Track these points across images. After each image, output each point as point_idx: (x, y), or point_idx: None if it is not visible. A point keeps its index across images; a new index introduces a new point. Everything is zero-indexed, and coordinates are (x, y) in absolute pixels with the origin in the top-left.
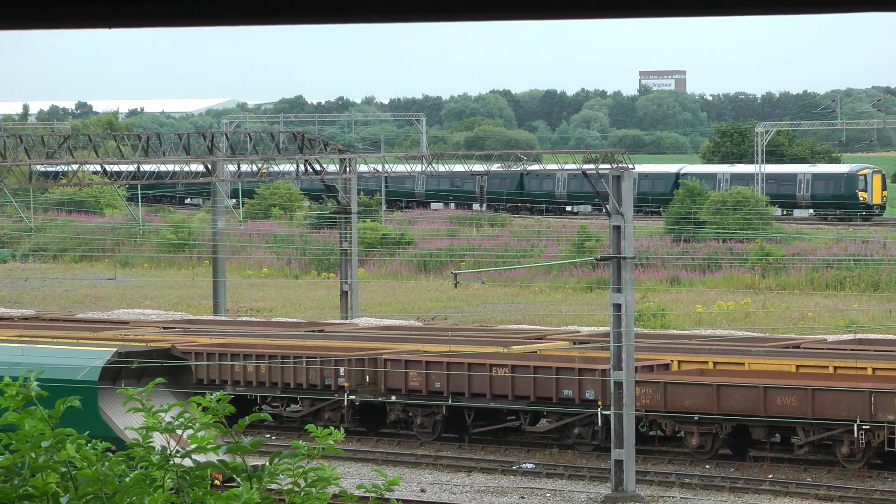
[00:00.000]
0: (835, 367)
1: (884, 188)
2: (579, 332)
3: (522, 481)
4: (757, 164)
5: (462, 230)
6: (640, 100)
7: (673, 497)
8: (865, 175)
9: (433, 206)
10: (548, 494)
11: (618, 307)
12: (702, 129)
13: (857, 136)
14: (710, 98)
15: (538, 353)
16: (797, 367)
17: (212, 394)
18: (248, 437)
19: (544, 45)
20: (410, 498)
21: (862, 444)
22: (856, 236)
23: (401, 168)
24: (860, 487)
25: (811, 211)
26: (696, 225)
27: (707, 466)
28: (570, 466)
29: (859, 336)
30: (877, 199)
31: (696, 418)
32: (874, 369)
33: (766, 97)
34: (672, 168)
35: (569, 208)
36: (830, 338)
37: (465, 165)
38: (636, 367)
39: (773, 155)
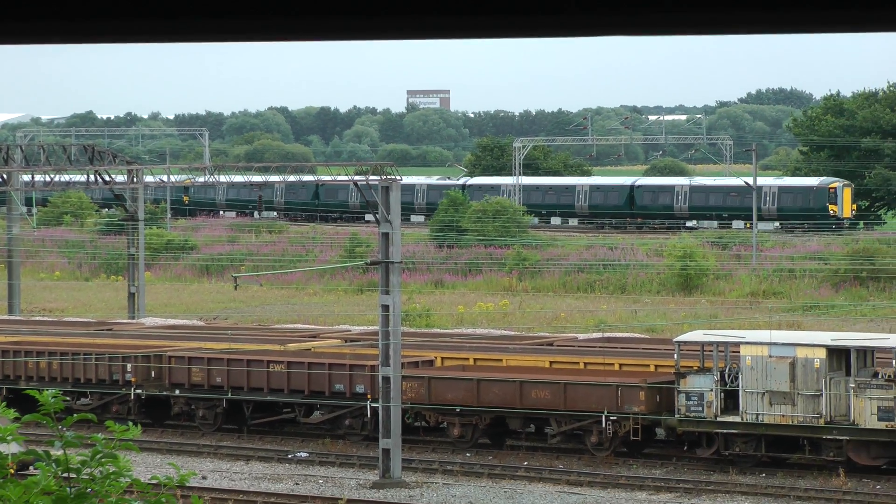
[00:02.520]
0: (585, 363)
1: (853, 202)
2: (351, 331)
3: (297, 469)
4: (515, 175)
5: (242, 236)
6: (407, 116)
7: (436, 483)
8: (836, 188)
9: (227, 214)
10: (320, 481)
11: (386, 308)
12: (464, 144)
13: (607, 151)
14: (473, 115)
15: (312, 350)
16: (551, 362)
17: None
18: (70, 432)
19: (319, 65)
20: (192, 485)
21: (609, 433)
22: (604, 243)
23: (183, 177)
24: (607, 473)
25: (777, 224)
26: (459, 232)
27: (468, 455)
28: (341, 455)
29: (607, 334)
30: (847, 213)
31: (457, 410)
32: (621, 365)
33: (523, 115)
34: (626, 181)
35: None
36: (581, 336)
37: (245, 176)
38: (403, 364)
39: (530, 168)
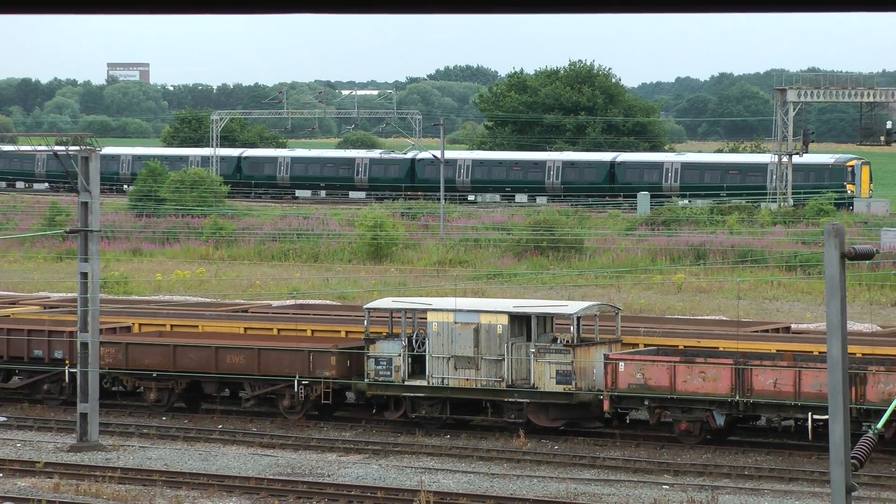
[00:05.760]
0: (279, 329)
1: (871, 181)
2: (50, 297)
3: None
4: (213, 147)
5: None
6: (107, 89)
7: (132, 446)
8: (853, 166)
9: None
10: (19, 444)
11: (84, 275)
12: (163, 116)
13: (302, 124)
14: (172, 88)
15: (11, 316)
16: (245, 329)
17: None
18: None
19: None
20: None
21: (301, 397)
22: (298, 213)
23: None
24: (299, 436)
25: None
26: (157, 202)
27: (164, 418)
28: (39, 419)
29: (300, 301)
30: (864, 193)
31: (154, 375)
32: (313, 331)
33: (221, 88)
34: (606, 156)
35: (46, 185)
36: (275, 303)
37: None
38: (101, 330)
39: (227, 140)
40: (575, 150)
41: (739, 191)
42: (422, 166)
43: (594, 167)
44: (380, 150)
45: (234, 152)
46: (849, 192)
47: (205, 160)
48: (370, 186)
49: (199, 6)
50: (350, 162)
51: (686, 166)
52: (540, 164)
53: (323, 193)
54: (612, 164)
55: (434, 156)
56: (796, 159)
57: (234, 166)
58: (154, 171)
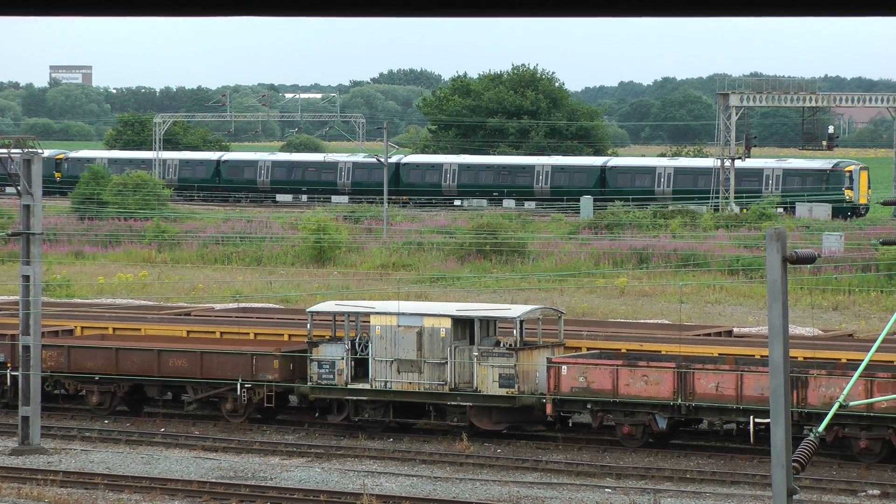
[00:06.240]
0: (221, 333)
1: (869, 186)
2: None
3: None
4: (155, 150)
5: None
6: (50, 91)
7: (74, 449)
8: (851, 171)
9: None
10: None
11: (27, 278)
12: (106, 119)
13: (245, 127)
14: (115, 91)
15: None
16: (188, 332)
17: None
18: None
19: None
20: None
21: (244, 400)
22: (241, 216)
23: None
24: (242, 439)
25: (780, 210)
26: (100, 205)
27: (106, 421)
28: None
29: (243, 305)
30: (863, 199)
31: (97, 378)
32: (256, 334)
33: (164, 91)
34: (597, 161)
35: None
36: (218, 306)
37: None
38: (43, 333)
39: (170, 143)
40: (565, 155)
41: (736, 195)
42: (406, 170)
43: (584, 172)
44: (363, 154)
45: (212, 156)
46: (847, 197)
47: (184, 163)
48: (353, 191)
49: (183, 9)
50: (333, 166)
51: (679, 171)
52: (528, 169)
53: (305, 198)
54: (603, 169)
55: (378, 158)
56: (794, 164)
57: (213, 170)
58: (97, 173)
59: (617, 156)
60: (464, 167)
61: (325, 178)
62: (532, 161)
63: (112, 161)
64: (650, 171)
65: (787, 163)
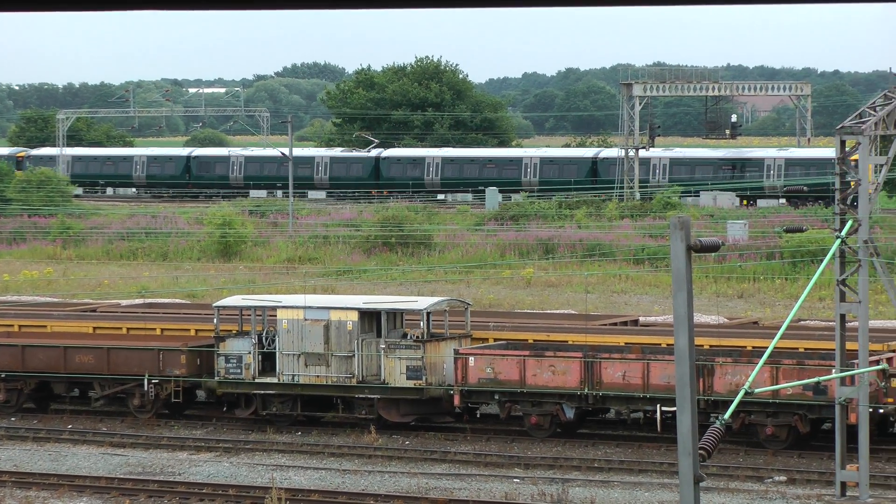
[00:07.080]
0: (128, 329)
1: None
2: None
3: None
4: (59, 146)
5: None
6: None
7: None
8: (857, 161)
9: None
10: None
11: None
12: (9, 116)
13: (149, 123)
14: (17, 87)
15: None
16: (94, 328)
17: None
18: None
19: None
20: None
21: (152, 396)
22: (146, 212)
23: None
24: (150, 435)
25: (782, 201)
26: (4, 202)
27: (13, 419)
28: None
29: (149, 300)
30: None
31: (2, 376)
32: (162, 330)
33: (67, 87)
34: (587, 153)
35: None
36: (124, 302)
37: None
38: None
39: (74, 139)
40: (553, 147)
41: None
42: (387, 164)
43: (575, 164)
44: (341, 148)
45: (182, 152)
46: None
47: (152, 159)
48: (331, 185)
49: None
50: (310, 160)
51: (675, 162)
52: (516, 161)
53: (280, 193)
54: (595, 161)
55: (282, 153)
56: (799, 153)
57: (183, 166)
58: (0, 171)
59: (520, 147)
60: (447, 160)
61: (302, 173)
62: (520, 153)
63: (77, 158)
64: (645, 162)
65: (788, 152)
